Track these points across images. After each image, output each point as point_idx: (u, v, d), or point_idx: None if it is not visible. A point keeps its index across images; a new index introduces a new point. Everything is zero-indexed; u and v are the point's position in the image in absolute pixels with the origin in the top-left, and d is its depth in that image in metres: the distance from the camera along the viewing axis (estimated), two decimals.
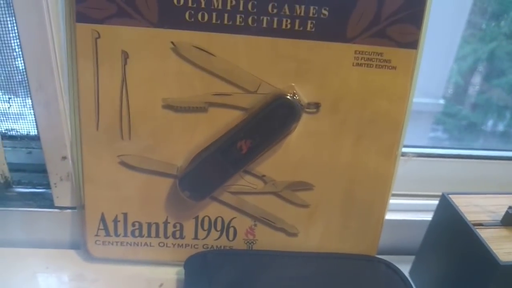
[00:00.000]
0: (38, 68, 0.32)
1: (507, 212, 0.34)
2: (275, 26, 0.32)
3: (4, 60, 0.37)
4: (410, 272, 0.41)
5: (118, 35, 0.32)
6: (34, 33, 0.31)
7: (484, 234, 0.33)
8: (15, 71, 0.38)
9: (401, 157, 0.38)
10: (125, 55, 0.33)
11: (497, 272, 0.30)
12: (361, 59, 0.34)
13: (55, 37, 0.32)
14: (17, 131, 0.42)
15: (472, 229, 0.33)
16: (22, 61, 0.34)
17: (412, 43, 0.33)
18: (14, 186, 0.40)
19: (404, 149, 0.45)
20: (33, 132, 0.41)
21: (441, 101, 0.68)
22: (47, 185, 0.38)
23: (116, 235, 0.38)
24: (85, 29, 0.32)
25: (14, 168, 0.41)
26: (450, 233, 0.36)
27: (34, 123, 0.40)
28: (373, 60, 0.34)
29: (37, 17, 0.31)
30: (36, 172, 0.42)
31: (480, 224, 0.34)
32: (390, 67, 0.34)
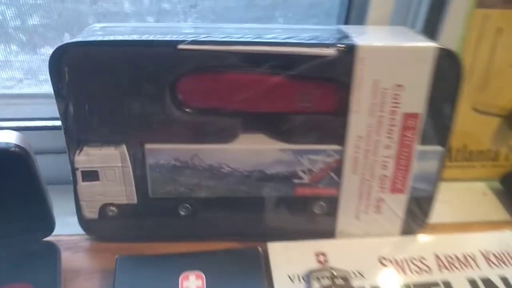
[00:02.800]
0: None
1: None
2: None
3: None
4: None
5: (499, 16, 0.44)
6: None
7: None
8: None
9: None
10: (500, 31, 0.45)
11: None
12: None
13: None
14: None
15: None
16: None
17: None
18: None
19: None
20: None
21: None
22: None
23: (455, 161, 0.52)
24: (479, 12, 0.44)
25: None
26: None
27: None
28: None
29: None
30: None
31: None
32: None
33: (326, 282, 0.35)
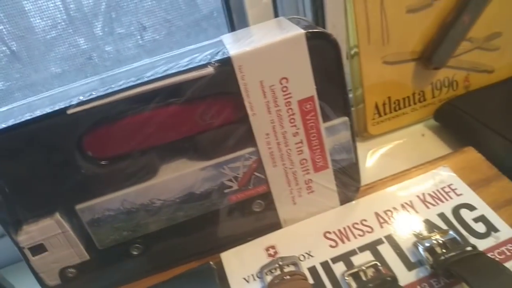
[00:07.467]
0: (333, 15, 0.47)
1: None
2: None
3: None
4: None
5: None
6: None
7: None
8: None
9: None
10: None
11: None
12: None
13: None
14: None
15: None
16: None
17: None
18: None
19: None
20: None
21: None
22: None
23: (384, 114, 0.54)
24: None
25: None
26: None
27: None
28: None
29: None
30: None
31: None
32: None
33: (278, 272, 0.37)
